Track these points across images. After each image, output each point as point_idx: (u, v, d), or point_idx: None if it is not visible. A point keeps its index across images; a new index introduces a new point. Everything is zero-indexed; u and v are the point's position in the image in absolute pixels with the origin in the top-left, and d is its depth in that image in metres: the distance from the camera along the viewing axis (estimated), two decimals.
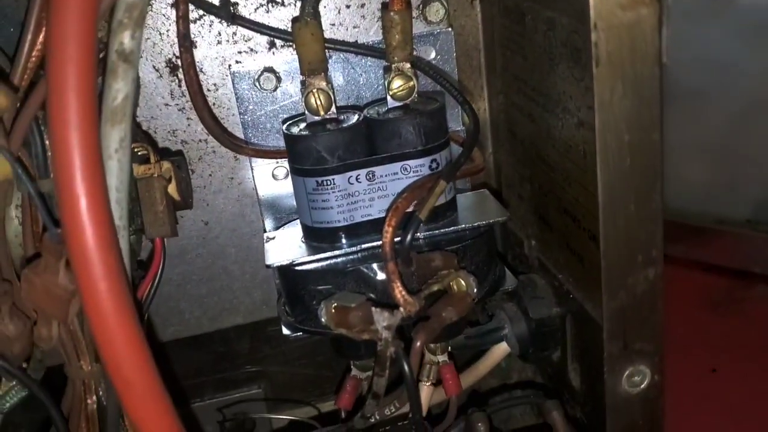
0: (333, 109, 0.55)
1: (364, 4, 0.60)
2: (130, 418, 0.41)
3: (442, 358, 0.62)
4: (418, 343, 0.49)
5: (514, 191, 0.66)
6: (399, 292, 0.48)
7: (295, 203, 0.57)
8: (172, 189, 0.49)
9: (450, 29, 0.62)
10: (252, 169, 0.62)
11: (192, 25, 0.58)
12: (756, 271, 1.39)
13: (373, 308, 0.48)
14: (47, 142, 0.41)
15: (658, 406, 0.45)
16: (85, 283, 0.35)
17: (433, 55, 0.62)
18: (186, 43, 0.52)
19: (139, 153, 0.50)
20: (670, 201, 1.53)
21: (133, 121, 0.40)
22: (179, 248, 0.64)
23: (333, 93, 0.55)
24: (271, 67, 0.60)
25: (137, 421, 0.40)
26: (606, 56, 0.37)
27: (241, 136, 0.61)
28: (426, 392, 0.62)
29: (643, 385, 0.45)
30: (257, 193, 0.63)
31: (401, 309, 0.48)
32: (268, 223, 0.64)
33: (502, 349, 0.63)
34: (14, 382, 0.47)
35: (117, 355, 0.37)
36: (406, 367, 0.49)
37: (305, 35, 0.53)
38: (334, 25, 0.60)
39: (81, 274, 0.35)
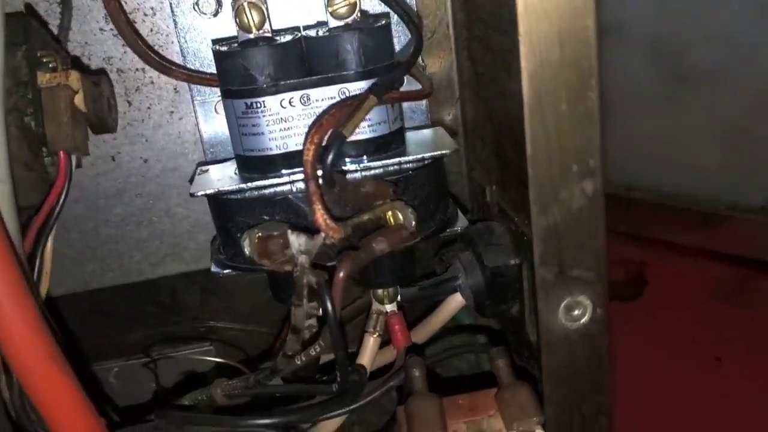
0: (267, 26, 0.51)
1: None
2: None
3: (390, 307, 0.57)
4: (341, 273, 0.45)
5: (478, 135, 0.61)
6: (320, 214, 0.44)
7: None
8: (79, 100, 0.45)
9: None
10: (194, 102, 0.58)
11: None
12: None
13: (290, 231, 0.44)
14: None
15: (602, 345, 0.40)
16: None
17: None
18: None
19: (49, 63, 0.46)
20: (682, 187, 1.47)
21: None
22: (117, 188, 0.61)
23: (267, 9, 0.50)
24: None
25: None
26: None
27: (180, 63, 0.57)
28: (372, 344, 0.57)
29: (583, 320, 0.40)
30: (199, 129, 0.59)
31: (322, 234, 0.44)
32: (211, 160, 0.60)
33: (456, 301, 0.58)
34: None
35: None
36: (327, 301, 0.45)
37: None
38: None
39: None
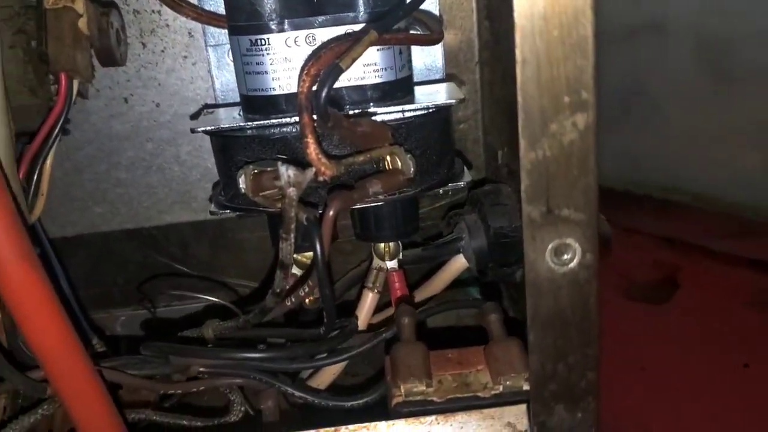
0: None
1: None
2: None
3: (390, 264, 0.56)
4: (331, 211, 0.44)
5: (494, 97, 0.60)
6: (313, 149, 0.43)
7: None
8: (83, 24, 0.46)
9: None
10: (207, 46, 0.58)
11: None
12: None
13: (280, 163, 0.43)
14: None
15: (590, 293, 0.39)
16: None
17: None
18: None
19: None
20: (720, 191, 1.42)
21: None
22: (128, 130, 0.61)
23: None
24: None
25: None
26: None
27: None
28: (370, 299, 0.57)
29: (572, 264, 0.38)
30: (212, 75, 0.59)
31: (312, 168, 0.43)
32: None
33: (459, 262, 0.57)
34: None
35: None
36: (316, 238, 0.44)
37: None
38: None
39: None
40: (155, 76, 0.60)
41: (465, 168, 0.55)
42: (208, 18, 0.55)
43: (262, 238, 0.64)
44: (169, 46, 0.59)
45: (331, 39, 0.47)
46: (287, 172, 0.43)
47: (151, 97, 0.60)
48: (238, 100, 0.58)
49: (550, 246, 0.38)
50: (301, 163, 0.47)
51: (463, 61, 0.63)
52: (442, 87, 0.55)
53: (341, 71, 0.44)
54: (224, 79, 0.59)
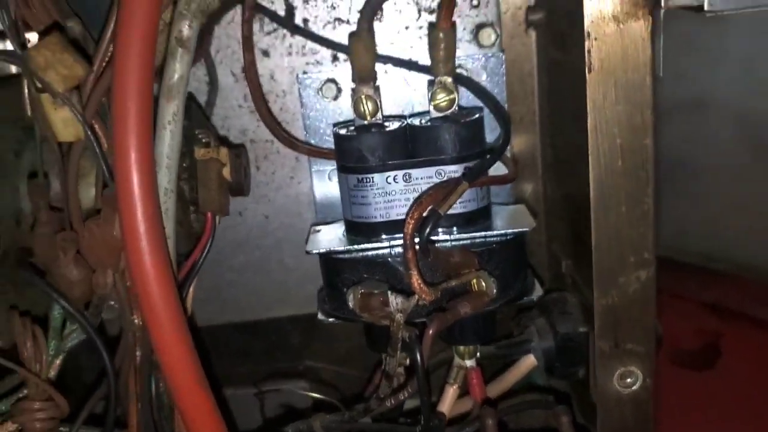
0: (379, 115, 0.60)
1: (422, 26, 0.66)
2: (162, 366, 0.47)
3: (470, 362, 0.65)
4: (431, 331, 0.53)
5: (557, 212, 0.69)
6: (416, 279, 0.52)
7: None
8: (226, 172, 0.56)
9: (501, 53, 0.66)
10: (311, 169, 0.69)
11: (266, 37, 0.66)
12: None
13: (390, 292, 0.53)
14: None
15: (649, 410, 0.47)
16: (127, 225, 0.42)
17: (483, 77, 0.67)
18: (248, 44, 0.59)
19: (203, 140, 0.57)
20: (763, 261, 1.48)
21: (185, 98, 0.47)
22: (241, 239, 0.71)
23: (380, 100, 0.60)
24: (334, 79, 0.67)
25: (166, 368, 0.46)
26: (599, 63, 0.40)
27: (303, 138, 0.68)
28: (451, 394, 0.65)
29: (635, 387, 0.46)
30: (313, 192, 0.69)
31: (416, 296, 0.52)
32: (321, 220, 0.69)
33: (529, 361, 0.65)
34: (76, 326, 0.54)
35: (149, 296, 0.44)
36: (418, 353, 0.53)
37: (359, 47, 0.59)
38: (392, 43, 0.66)
39: (125, 217, 0.42)
40: (266, 193, 0.70)
41: (536, 282, 0.63)
42: (318, 152, 0.65)
43: (347, 328, 0.73)
44: (279, 168, 0.69)
45: (430, 187, 0.56)
46: (396, 300, 0.52)
47: (261, 211, 0.70)
48: (334, 213, 0.68)
49: (617, 372, 0.46)
50: (401, 285, 0.56)
51: (527, 175, 0.72)
52: (514, 211, 0.64)
53: (440, 217, 0.53)
54: (323, 195, 0.69)
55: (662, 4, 0.39)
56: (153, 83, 0.43)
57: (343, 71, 0.66)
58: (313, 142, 0.67)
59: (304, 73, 0.67)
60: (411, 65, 0.65)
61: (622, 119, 0.41)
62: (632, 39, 0.40)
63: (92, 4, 0.51)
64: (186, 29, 0.45)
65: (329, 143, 0.67)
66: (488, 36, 0.66)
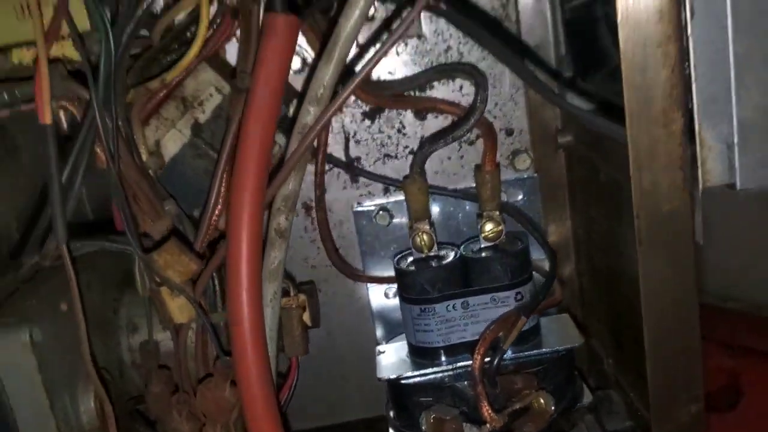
0: (435, 247, 0.67)
1: (463, 156, 0.73)
2: None
3: None
4: None
5: (594, 314, 0.75)
6: (486, 410, 0.58)
7: (401, 318, 0.69)
8: (306, 317, 0.62)
9: (535, 175, 0.73)
10: (368, 289, 0.75)
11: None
12: None
13: (465, 423, 0.59)
14: (217, 288, 0.55)
15: None
16: (247, 398, 0.48)
17: (520, 197, 0.73)
18: (321, 203, 0.66)
19: (283, 287, 0.63)
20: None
21: (282, 278, 0.53)
22: (308, 355, 0.77)
23: (435, 235, 0.67)
24: (386, 206, 0.73)
25: None
26: (647, 239, 0.47)
27: (361, 261, 0.74)
28: None
29: None
30: (371, 310, 0.75)
31: (488, 425, 0.58)
32: (379, 332, 0.76)
33: None
34: None
35: None
36: None
37: (413, 189, 0.66)
38: (437, 172, 0.73)
39: (245, 392, 0.48)
40: (328, 312, 0.76)
41: (585, 386, 0.70)
42: (378, 280, 0.71)
43: None
44: (339, 289, 0.76)
45: (492, 321, 0.63)
46: (471, 430, 0.58)
47: (324, 328, 0.76)
48: (389, 325, 0.75)
49: None
50: (467, 408, 0.62)
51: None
52: (563, 324, 0.70)
53: (504, 352, 0.59)
54: (380, 311, 0.75)
55: (699, 186, 0.46)
56: (260, 269, 0.50)
57: (393, 200, 0.73)
58: (369, 263, 0.74)
59: (358, 204, 0.73)
60: (458, 193, 0.72)
61: (669, 283, 0.48)
62: (676, 216, 0.46)
63: (181, 187, 0.58)
64: (284, 221, 0.51)
65: (385, 263, 0.74)
66: (523, 161, 0.73)
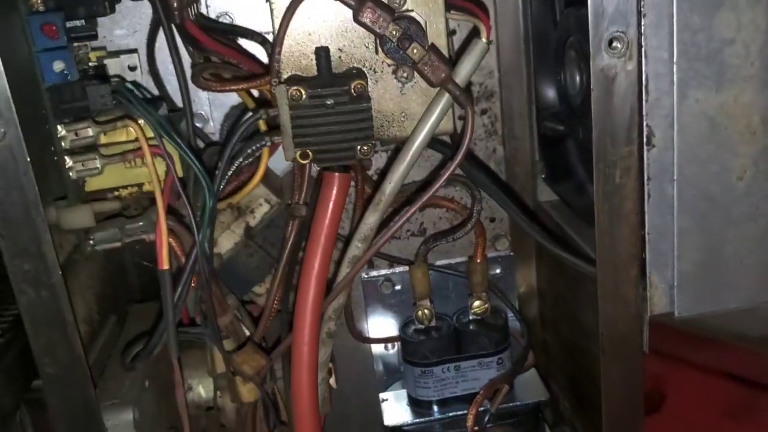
0: (433, 321, 0.82)
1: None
2: None
3: None
4: None
5: (553, 360, 0.92)
6: None
7: (398, 366, 0.85)
8: (332, 381, 0.77)
9: (512, 254, 0.89)
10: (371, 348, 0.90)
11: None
12: None
13: None
14: None
15: None
16: None
17: (498, 270, 0.89)
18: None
19: None
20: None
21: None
22: None
23: (434, 310, 0.82)
24: (390, 277, 0.88)
25: None
26: (609, 350, 0.63)
27: (366, 321, 0.89)
28: None
29: None
30: (374, 361, 0.91)
31: None
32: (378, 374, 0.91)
33: None
34: None
35: None
36: None
37: (418, 274, 0.81)
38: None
39: None
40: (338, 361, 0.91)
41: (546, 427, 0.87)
42: (383, 340, 0.87)
43: None
44: (347, 342, 0.91)
45: (482, 387, 0.79)
46: None
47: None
48: (391, 374, 0.90)
49: None
50: None
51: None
52: (530, 378, 0.87)
53: (492, 414, 0.76)
54: (384, 361, 0.91)
55: (647, 313, 0.62)
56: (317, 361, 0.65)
57: (396, 271, 0.88)
58: (376, 325, 0.89)
59: (366, 274, 0.88)
60: (450, 271, 0.87)
61: (623, 379, 0.64)
62: (629, 335, 0.63)
63: (236, 280, 0.72)
64: (333, 326, 0.66)
65: (386, 323, 0.89)
66: (502, 243, 0.89)
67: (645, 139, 0.57)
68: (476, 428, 0.76)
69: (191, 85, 0.64)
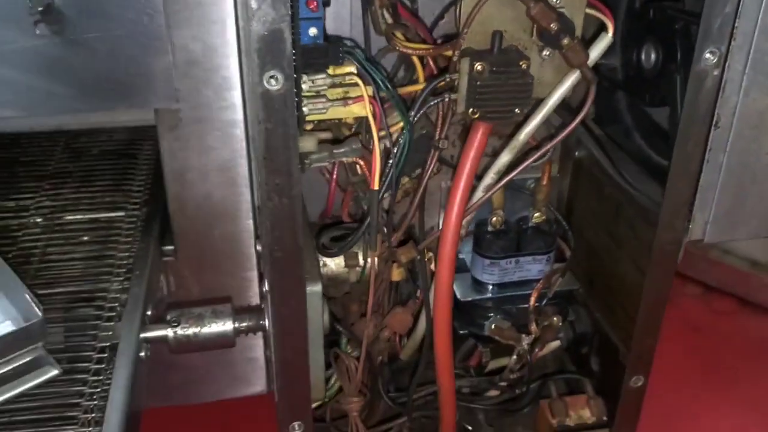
0: (503, 225, 1.07)
1: None
2: None
3: None
4: None
5: (576, 263, 1.20)
6: (533, 327, 1.02)
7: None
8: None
9: (558, 174, 1.14)
10: None
11: None
12: None
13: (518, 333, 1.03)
14: None
15: None
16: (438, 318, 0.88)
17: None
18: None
19: None
20: None
21: None
22: None
23: (504, 217, 1.06)
24: None
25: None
26: (658, 259, 0.90)
27: None
28: None
29: None
30: None
31: (532, 334, 1.03)
32: None
33: None
34: None
35: None
36: None
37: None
38: None
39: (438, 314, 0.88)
40: None
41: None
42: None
43: None
44: None
45: (546, 273, 1.05)
46: (521, 336, 1.02)
47: None
48: None
49: None
50: (513, 316, 1.06)
51: None
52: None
53: (550, 297, 1.03)
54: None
55: (684, 240, 0.89)
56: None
57: None
58: None
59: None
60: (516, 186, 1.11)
61: (659, 281, 0.92)
62: (671, 246, 0.89)
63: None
64: (463, 232, 0.89)
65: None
66: (554, 168, 1.13)
67: (714, 123, 0.82)
68: (536, 305, 1.03)
69: None
